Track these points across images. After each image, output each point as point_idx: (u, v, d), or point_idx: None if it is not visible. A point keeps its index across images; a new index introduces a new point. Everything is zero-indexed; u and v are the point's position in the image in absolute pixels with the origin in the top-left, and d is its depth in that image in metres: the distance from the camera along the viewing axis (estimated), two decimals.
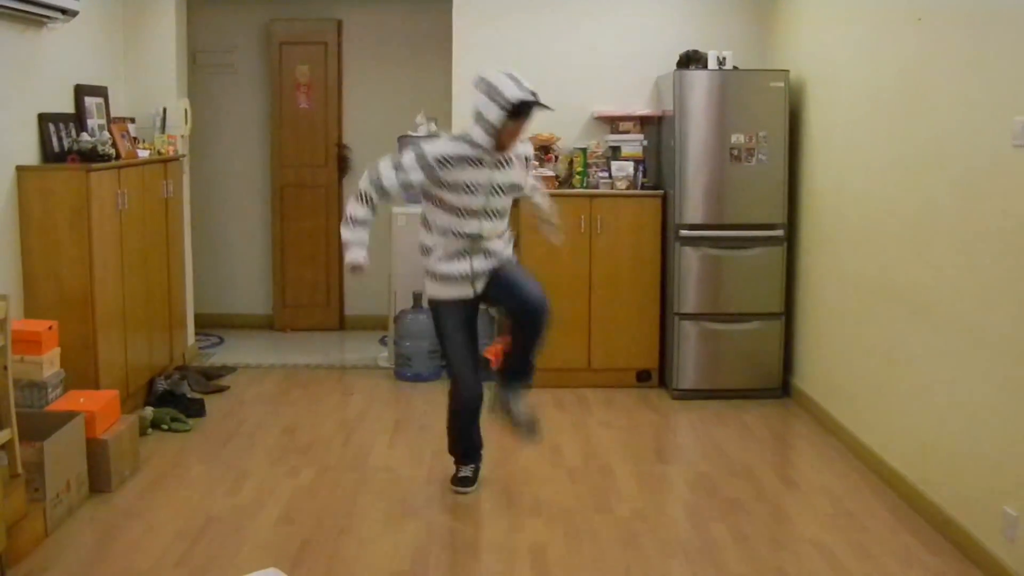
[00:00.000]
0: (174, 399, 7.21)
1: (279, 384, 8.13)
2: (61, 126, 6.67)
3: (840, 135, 6.83)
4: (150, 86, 8.06)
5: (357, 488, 5.87)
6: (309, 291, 10.09)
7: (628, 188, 7.86)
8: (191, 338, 8.71)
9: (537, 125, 8.01)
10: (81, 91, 7.02)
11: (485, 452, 5.96)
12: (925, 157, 5.50)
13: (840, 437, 6.68)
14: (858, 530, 5.30)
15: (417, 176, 5.32)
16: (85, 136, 6.65)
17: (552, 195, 7.76)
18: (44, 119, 6.50)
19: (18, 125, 6.28)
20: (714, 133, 7.51)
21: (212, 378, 8.04)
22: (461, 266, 5.49)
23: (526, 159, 5.66)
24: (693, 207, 7.56)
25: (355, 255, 5.44)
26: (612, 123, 8.20)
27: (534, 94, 5.21)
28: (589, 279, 7.84)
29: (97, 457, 5.66)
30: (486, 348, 7.97)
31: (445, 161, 5.27)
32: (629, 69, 8.29)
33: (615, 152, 8.05)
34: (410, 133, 8.43)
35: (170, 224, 7.81)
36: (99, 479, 5.69)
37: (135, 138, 7.45)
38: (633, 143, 8.05)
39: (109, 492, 5.71)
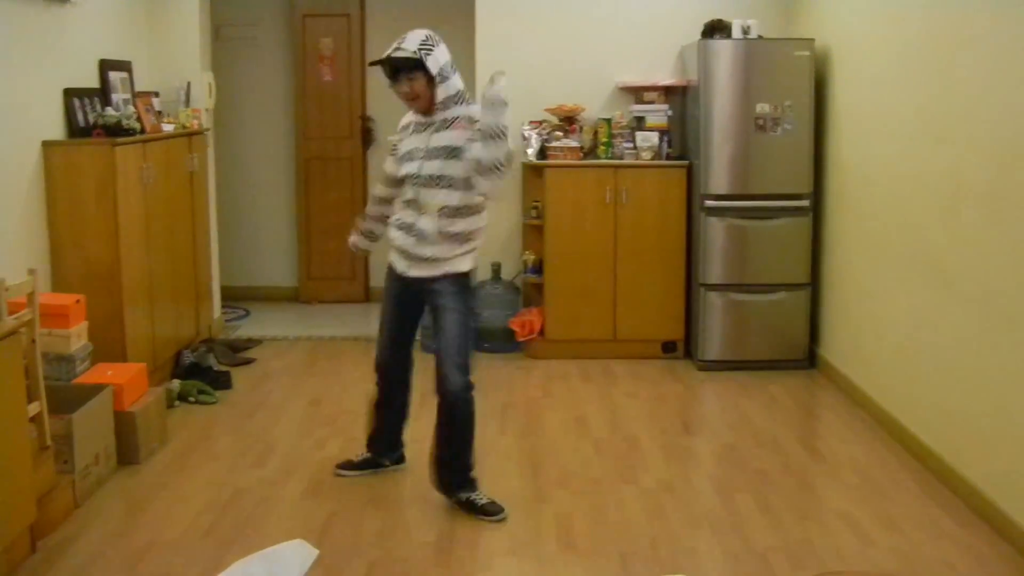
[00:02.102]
0: (200, 371, 7.24)
1: (305, 356, 8.15)
2: (86, 101, 6.68)
3: (866, 103, 6.79)
4: (174, 60, 8.06)
5: None
6: (334, 263, 10.08)
7: (653, 159, 7.83)
8: (217, 311, 8.73)
9: (560, 95, 8.07)
10: (105, 65, 7.02)
11: (515, 423, 5.79)
12: (953, 125, 5.45)
13: (867, 408, 6.66)
14: (885, 502, 5.29)
15: (390, 162, 5.36)
16: (110, 110, 6.66)
17: (576, 166, 7.82)
18: (69, 94, 6.52)
19: (43, 100, 6.30)
20: (739, 103, 7.47)
21: (238, 350, 8.07)
22: (405, 240, 5.15)
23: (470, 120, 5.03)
24: (718, 177, 7.52)
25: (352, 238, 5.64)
26: (636, 93, 8.17)
27: (402, 51, 4.90)
28: (614, 250, 7.83)
29: (125, 429, 5.70)
30: (510, 318, 8.03)
31: (404, 131, 5.23)
32: (653, 39, 8.24)
33: (640, 122, 8.01)
34: None
35: (195, 197, 7.83)
36: (127, 451, 5.73)
37: (159, 112, 7.45)
38: (658, 113, 8.01)
39: (137, 464, 5.75)
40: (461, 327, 5.09)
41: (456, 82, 5.00)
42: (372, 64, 5.11)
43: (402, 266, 5.18)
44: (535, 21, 8.28)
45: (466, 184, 4.96)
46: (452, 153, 4.97)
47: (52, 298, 5.81)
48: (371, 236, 5.62)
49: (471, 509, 5.13)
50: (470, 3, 8.44)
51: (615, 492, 5.43)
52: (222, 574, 1.90)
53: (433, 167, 4.99)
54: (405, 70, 4.92)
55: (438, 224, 5.01)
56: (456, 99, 5.00)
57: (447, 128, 4.99)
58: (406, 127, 5.19)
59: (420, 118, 5.09)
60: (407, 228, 5.11)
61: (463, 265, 5.11)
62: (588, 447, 6.09)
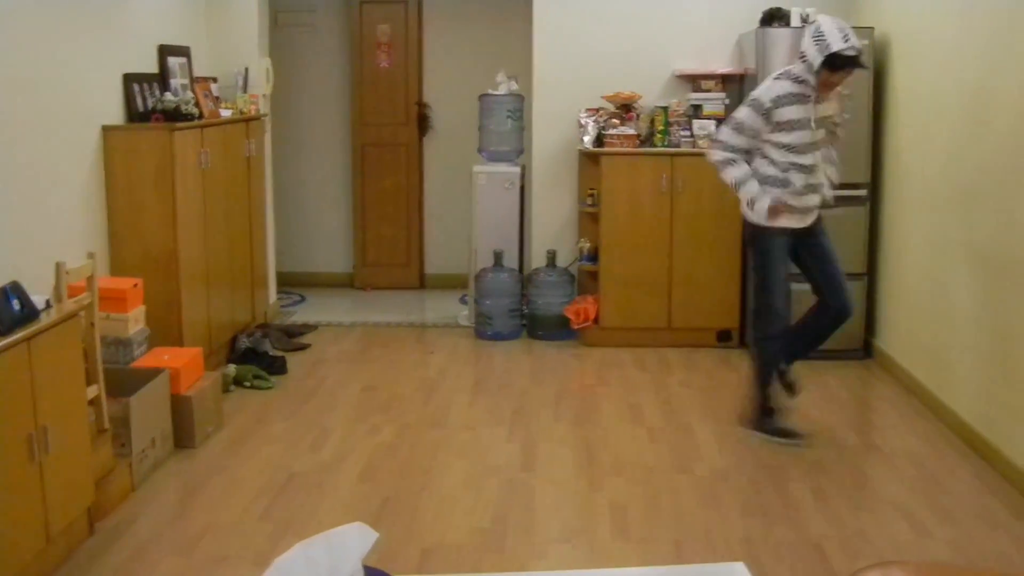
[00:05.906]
0: (256, 357, 7.28)
1: (360, 342, 8.19)
2: (145, 86, 6.73)
3: (926, 93, 6.71)
4: (232, 46, 8.10)
5: (437, 446, 5.91)
6: (389, 250, 10.13)
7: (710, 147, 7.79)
8: (273, 296, 8.79)
9: (618, 83, 8.05)
10: (165, 51, 7.07)
11: (569, 411, 5.90)
12: (1014, 116, 5.38)
13: (923, 399, 6.59)
14: (941, 493, 5.25)
15: (756, 123, 5.72)
16: (169, 96, 6.71)
17: (633, 154, 7.80)
18: (129, 79, 6.57)
19: (103, 85, 6.35)
20: None
21: (293, 336, 8.12)
22: (816, 199, 5.85)
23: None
24: None
25: (766, 201, 5.75)
26: (693, 81, 8.12)
27: (856, 51, 5.49)
28: (670, 238, 7.79)
29: (181, 413, 5.75)
30: (565, 306, 8.03)
31: (778, 101, 5.64)
32: (711, 27, 8.19)
33: (696, 111, 7.97)
34: (490, 91, 8.41)
35: (252, 183, 7.87)
36: (183, 435, 5.78)
37: (217, 97, 7.50)
38: (715, 101, 7.96)
39: (193, 448, 5.80)
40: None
41: None
42: (845, 58, 5.50)
43: (798, 221, 5.86)
44: (592, 9, 8.25)
45: None
46: (831, 121, 5.85)
47: (110, 282, 5.87)
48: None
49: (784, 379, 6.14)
50: None
51: (669, 480, 5.42)
52: (283, 555, 1.91)
53: (822, 134, 5.78)
54: (845, 68, 5.55)
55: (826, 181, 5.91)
56: None
57: (824, 101, 5.72)
58: (781, 97, 5.65)
59: (803, 91, 5.62)
60: (817, 188, 5.82)
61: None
62: (642, 435, 6.08)
